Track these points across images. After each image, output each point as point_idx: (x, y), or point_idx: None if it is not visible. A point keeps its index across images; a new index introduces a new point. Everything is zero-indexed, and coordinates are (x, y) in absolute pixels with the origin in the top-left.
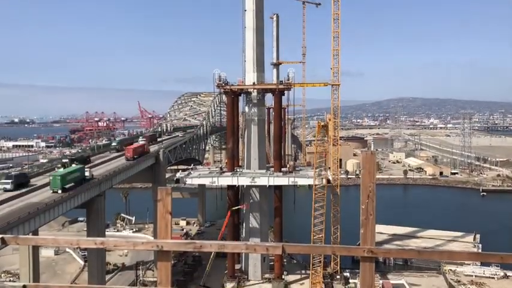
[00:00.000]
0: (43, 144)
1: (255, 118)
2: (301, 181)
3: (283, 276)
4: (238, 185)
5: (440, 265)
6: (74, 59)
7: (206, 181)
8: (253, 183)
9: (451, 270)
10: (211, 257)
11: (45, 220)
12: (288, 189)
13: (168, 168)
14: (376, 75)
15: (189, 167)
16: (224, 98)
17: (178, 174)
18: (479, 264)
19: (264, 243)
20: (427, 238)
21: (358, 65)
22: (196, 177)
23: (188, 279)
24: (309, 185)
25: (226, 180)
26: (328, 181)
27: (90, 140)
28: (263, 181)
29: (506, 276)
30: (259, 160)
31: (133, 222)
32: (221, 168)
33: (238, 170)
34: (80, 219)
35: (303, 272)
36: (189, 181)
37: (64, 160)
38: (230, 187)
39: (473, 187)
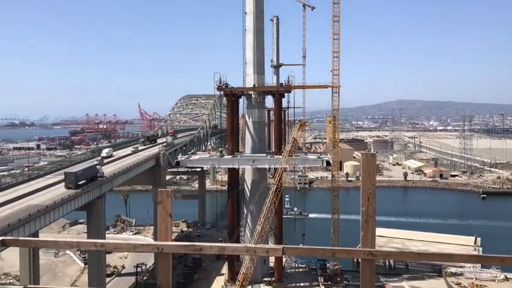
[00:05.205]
0: (44, 146)
1: (255, 120)
2: (301, 163)
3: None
4: (239, 187)
5: (440, 268)
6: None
7: (206, 164)
8: (253, 166)
9: (451, 272)
10: None
11: (46, 222)
12: (289, 193)
13: (169, 170)
14: (376, 78)
15: (189, 169)
16: (224, 100)
17: (179, 157)
18: (479, 266)
19: (264, 246)
20: (428, 241)
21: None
22: (197, 160)
23: (188, 281)
24: (309, 185)
25: (226, 163)
26: (328, 163)
27: (91, 143)
28: (263, 163)
29: (506, 279)
30: None
31: (133, 224)
32: (221, 152)
33: (238, 154)
34: (80, 221)
35: (304, 276)
36: (189, 164)
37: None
38: (230, 188)
39: (473, 189)
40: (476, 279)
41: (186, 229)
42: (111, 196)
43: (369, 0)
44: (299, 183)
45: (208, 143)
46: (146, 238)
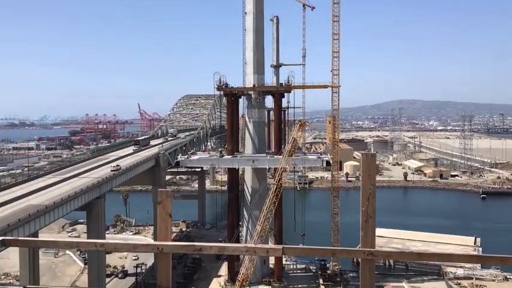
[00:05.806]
0: (43, 146)
1: (255, 120)
2: (300, 164)
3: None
4: (239, 187)
5: (440, 268)
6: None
7: (206, 164)
8: (253, 166)
9: (451, 273)
10: None
11: (45, 222)
12: (288, 193)
13: (169, 170)
14: (376, 78)
15: (189, 170)
16: (224, 100)
17: (179, 157)
18: (479, 267)
19: (264, 246)
20: (428, 241)
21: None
22: (196, 160)
23: (188, 281)
24: (309, 185)
25: (226, 163)
26: (328, 163)
27: (91, 142)
28: (263, 164)
29: (506, 279)
30: None
31: (133, 224)
32: (221, 152)
33: (237, 154)
34: (80, 221)
35: (304, 276)
36: (189, 164)
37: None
38: (230, 188)
39: (473, 189)
40: (476, 279)
41: (185, 229)
42: (111, 196)
43: (369, 0)
44: (299, 183)
45: (208, 143)
46: (146, 238)
